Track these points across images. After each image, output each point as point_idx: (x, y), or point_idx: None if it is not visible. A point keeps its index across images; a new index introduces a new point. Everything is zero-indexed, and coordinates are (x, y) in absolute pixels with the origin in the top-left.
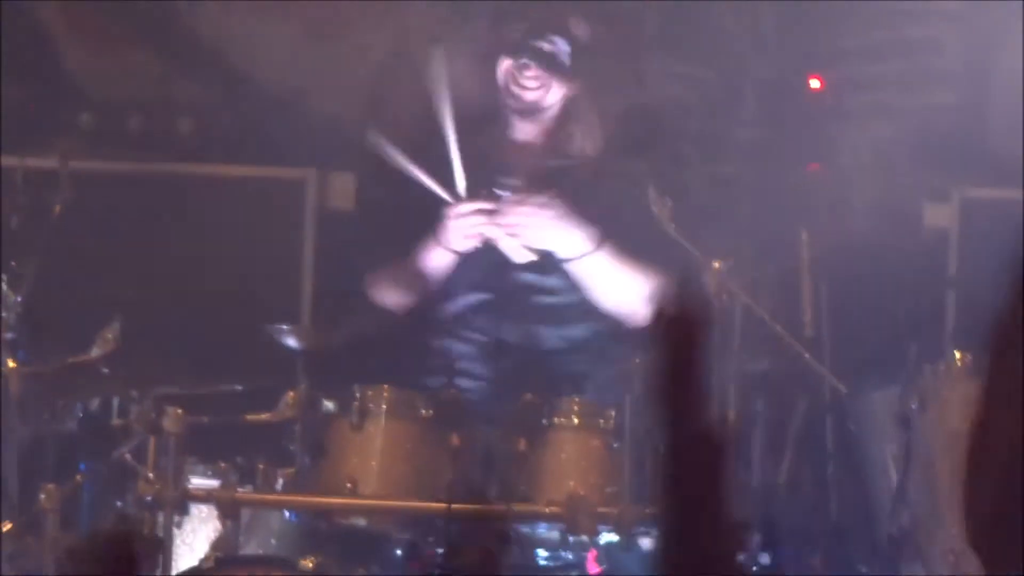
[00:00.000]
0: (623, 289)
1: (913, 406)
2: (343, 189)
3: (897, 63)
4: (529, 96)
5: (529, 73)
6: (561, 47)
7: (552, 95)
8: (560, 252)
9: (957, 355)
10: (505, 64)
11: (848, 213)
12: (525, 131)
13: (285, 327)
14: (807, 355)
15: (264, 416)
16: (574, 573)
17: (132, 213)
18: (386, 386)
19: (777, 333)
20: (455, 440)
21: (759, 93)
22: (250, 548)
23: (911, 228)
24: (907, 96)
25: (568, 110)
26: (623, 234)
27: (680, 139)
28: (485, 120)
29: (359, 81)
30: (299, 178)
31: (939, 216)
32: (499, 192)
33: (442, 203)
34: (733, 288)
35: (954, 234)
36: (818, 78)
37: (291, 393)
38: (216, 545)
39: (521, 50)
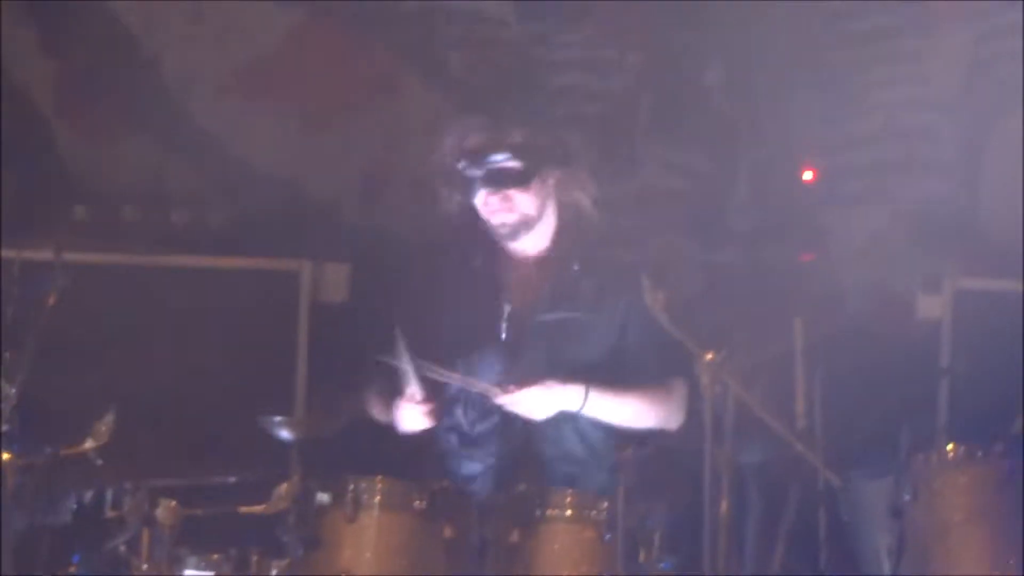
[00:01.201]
0: (630, 414)
1: (906, 497)
2: (337, 280)
3: (890, 151)
4: (504, 220)
5: (492, 199)
6: (504, 160)
7: (525, 207)
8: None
9: (950, 446)
10: (477, 199)
11: (841, 302)
12: (521, 248)
13: (278, 419)
14: (800, 446)
15: (258, 508)
16: None
17: (126, 304)
18: (380, 477)
19: (770, 424)
20: (449, 531)
21: (753, 181)
22: None
23: (904, 318)
24: (900, 185)
25: (552, 213)
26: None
27: (674, 228)
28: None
29: (354, 171)
30: (293, 269)
31: (932, 306)
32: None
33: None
34: (726, 379)
35: (947, 324)
36: (811, 169)
37: (284, 484)
38: None
39: (474, 184)
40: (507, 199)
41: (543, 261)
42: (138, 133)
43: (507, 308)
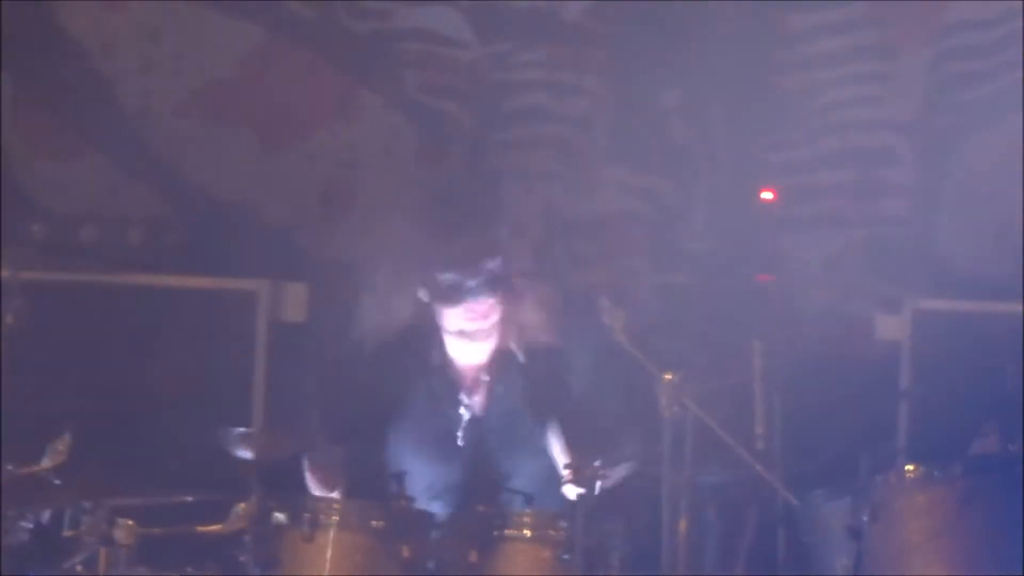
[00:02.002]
0: None
1: (864, 517)
2: (295, 300)
3: (848, 173)
4: (480, 326)
5: (477, 306)
6: (496, 267)
7: (497, 313)
8: None
9: (908, 467)
10: (452, 312)
11: (799, 324)
12: (474, 353)
13: (236, 436)
14: (759, 467)
15: (215, 527)
16: None
17: (84, 323)
18: (337, 497)
19: (729, 445)
20: (406, 551)
21: (711, 203)
22: None
23: (863, 339)
24: (859, 207)
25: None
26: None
27: (631, 250)
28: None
29: (312, 192)
30: (251, 289)
31: (891, 327)
32: None
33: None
34: (685, 400)
35: (906, 345)
36: (770, 190)
37: (242, 504)
38: None
39: (464, 291)
40: (492, 306)
41: (488, 366)
42: (95, 153)
43: (465, 415)
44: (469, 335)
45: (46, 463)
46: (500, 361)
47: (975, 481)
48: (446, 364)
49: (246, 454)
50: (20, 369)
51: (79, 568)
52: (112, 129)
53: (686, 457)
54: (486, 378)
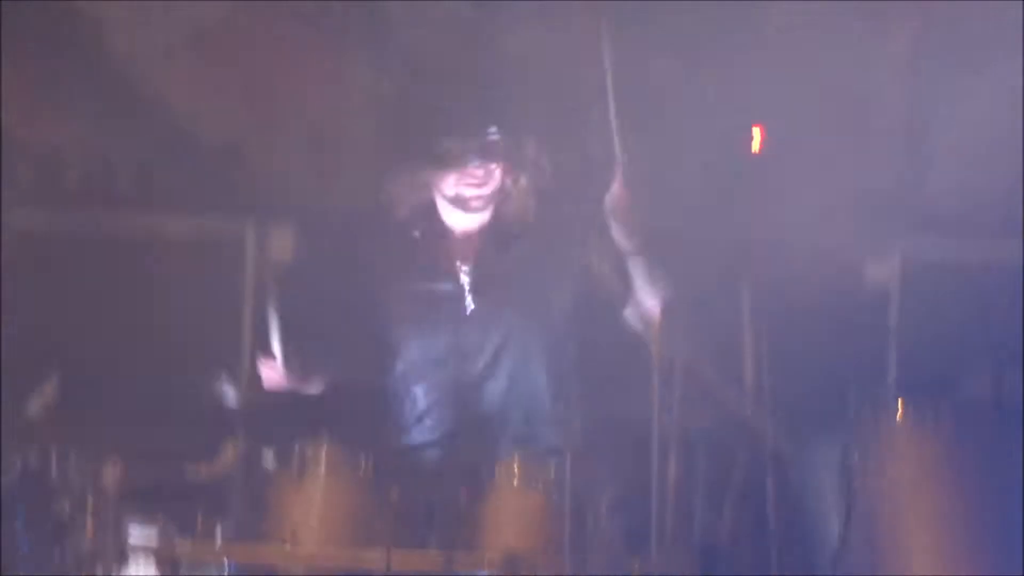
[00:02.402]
0: None
1: (855, 459)
2: (282, 242)
3: (838, 115)
4: (480, 193)
5: (478, 172)
6: (494, 134)
7: (495, 182)
8: None
9: (899, 408)
10: (450, 178)
11: (789, 266)
12: (470, 222)
13: (224, 380)
14: (748, 410)
15: (203, 469)
16: None
17: (69, 267)
18: (326, 440)
19: (718, 387)
20: (395, 494)
21: (699, 147)
22: None
23: (852, 282)
24: (848, 151)
25: (503, 190)
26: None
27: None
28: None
29: (299, 135)
30: (238, 231)
31: (880, 271)
32: None
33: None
34: (674, 343)
35: (895, 289)
36: (759, 128)
37: (230, 446)
38: None
39: (465, 158)
40: (489, 172)
41: (484, 231)
42: (82, 97)
43: (464, 281)
44: (464, 202)
45: (33, 406)
46: (497, 230)
47: (965, 422)
48: (443, 232)
49: (233, 398)
50: (6, 313)
51: (66, 511)
52: (100, 72)
53: (675, 400)
54: (482, 247)
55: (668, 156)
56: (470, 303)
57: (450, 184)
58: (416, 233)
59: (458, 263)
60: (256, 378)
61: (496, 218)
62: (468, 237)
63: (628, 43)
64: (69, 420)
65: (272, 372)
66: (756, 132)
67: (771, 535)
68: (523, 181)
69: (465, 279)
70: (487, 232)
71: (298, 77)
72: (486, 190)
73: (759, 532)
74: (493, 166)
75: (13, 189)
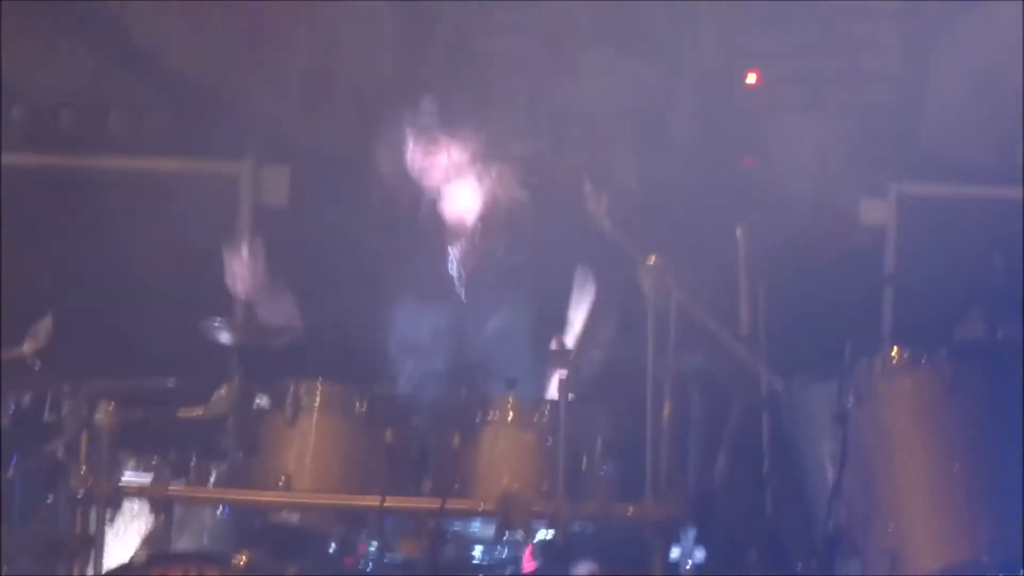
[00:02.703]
0: None
1: (850, 402)
2: (277, 183)
3: (835, 59)
4: (434, 172)
5: (425, 148)
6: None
7: (454, 159)
8: None
9: (894, 351)
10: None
11: (784, 209)
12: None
13: (218, 322)
14: (743, 352)
15: (197, 411)
16: (509, 570)
17: (64, 207)
18: (320, 381)
19: (713, 330)
20: (389, 436)
21: (695, 88)
22: (182, 544)
23: (847, 225)
24: (845, 92)
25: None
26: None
27: (616, 135)
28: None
29: (293, 78)
30: (233, 172)
31: (876, 212)
32: None
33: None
34: (668, 285)
35: (891, 230)
36: (755, 73)
37: (224, 388)
38: (148, 541)
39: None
40: (433, 145)
41: (478, 222)
42: (75, 38)
43: (455, 264)
44: (430, 174)
45: (27, 347)
46: (491, 218)
47: (961, 366)
48: (436, 214)
49: (227, 339)
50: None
51: (60, 452)
52: (93, 13)
53: (670, 343)
54: (477, 232)
55: (665, 101)
56: (461, 289)
57: (415, 162)
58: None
59: (450, 247)
60: (251, 319)
61: (488, 206)
62: (462, 221)
63: None
64: (62, 361)
65: (242, 268)
66: (752, 77)
67: (765, 478)
68: (495, 171)
69: (455, 263)
70: (479, 219)
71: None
72: (441, 162)
73: (752, 475)
74: (441, 144)
75: (8, 132)
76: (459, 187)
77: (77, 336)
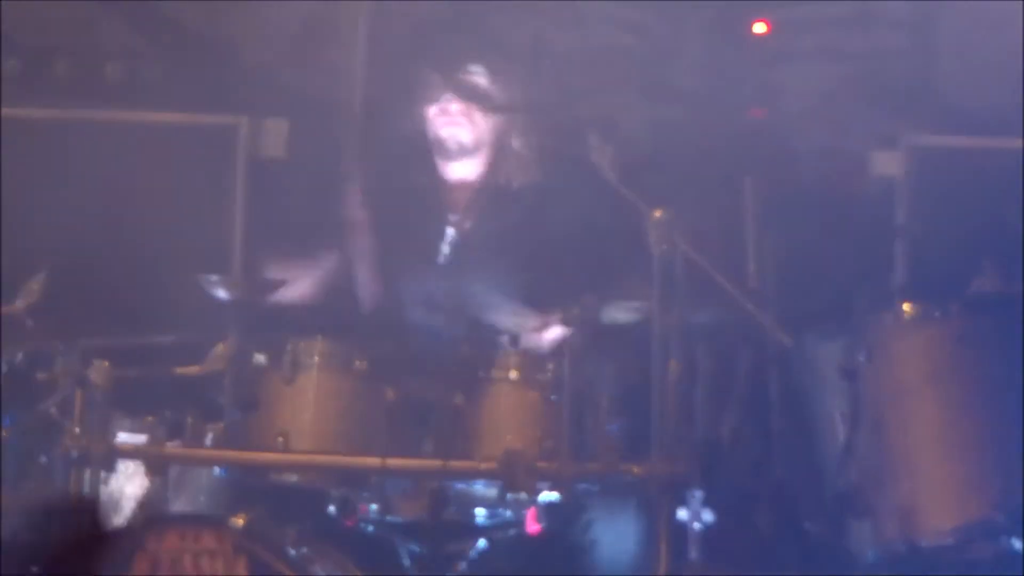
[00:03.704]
0: None
1: (860, 358)
2: (276, 136)
3: (844, 5)
4: (456, 135)
5: (453, 109)
6: (477, 74)
7: (477, 129)
8: None
9: (906, 306)
10: (431, 110)
11: (793, 160)
12: (458, 171)
13: (215, 278)
14: (751, 306)
15: (193, 369)
16: (513, 531)
17: (58, 160)
18: (319, 337)
19: (720, 284)
20: (390, 394)
21: (702, 37)
22: (179, 505)
23: (858, 175)
24: (854, 39)
25: (498, 146)
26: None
27: (621, 85)
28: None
29: (290, 29)
30: (231, 124)
31: (887, 164)
32: None
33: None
34: (675, 237)
35: (902, 182)
36: (763, 21)
37: (221, 345)
38: (144, 502)
39: (442, 89)
40: (467, 114)
41: (479, 186)
42: None
43: (450, 232)
44: (441, 144)
45: (19, 303)
46: (490, 188)
47: (973, 321)
48: (436, 181)
49: (224, 295)
50: None
51: (53, 410)
52: None
53: (676, 297)
54: (475, 201)
55: (672, 47)
56: (447, 253)
57: (431, 119)
58: (423, 179)
59: (448, 212)
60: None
61: (492, 174)
62: (462, 186)
63: None
64: (56, 318)
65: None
66: (760, 26)
67: (773, 435)
68: (516, 143)
69: (451, 230)
70: (481, 186)
71: None
72: (465, 134)
73: (761, 432)
74: (473, 109)
75: (3, 82)
76: (468, 142)
77: (71, 292)
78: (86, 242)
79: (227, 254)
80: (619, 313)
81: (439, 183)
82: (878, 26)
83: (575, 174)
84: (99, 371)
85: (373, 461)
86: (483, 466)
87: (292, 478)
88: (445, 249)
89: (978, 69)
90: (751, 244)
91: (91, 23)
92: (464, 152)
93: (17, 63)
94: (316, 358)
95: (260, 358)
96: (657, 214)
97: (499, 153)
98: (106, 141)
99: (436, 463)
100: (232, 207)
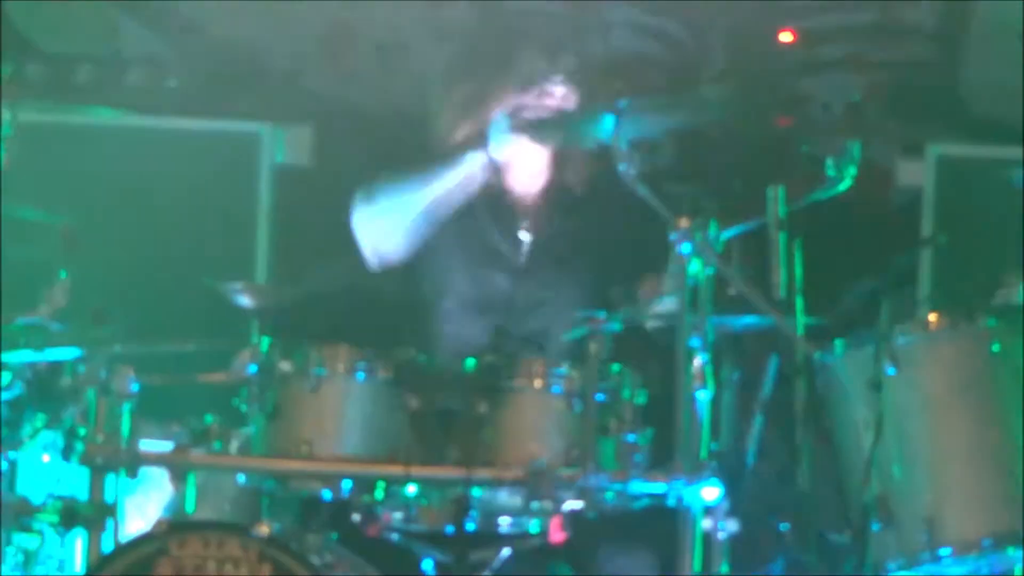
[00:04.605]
0: None
1: (886, 369)
2: (300, 143)
3: (871, 15)
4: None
5: (553, 94)
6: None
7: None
8: None
9: (932, 316)
10: (523, 101)
11: (820, 171)
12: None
13: (239, 285)
14: (777, 316)
15: (218, 376)
16: (538, 541)
17: (82, 166)
18: (343, 345)
19: (746, 293)
20: (414, 402)
21: (728, 45)
22: (203, 513)
23: (884, 186)
24: (880, 49)
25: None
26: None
27: (649, 93)
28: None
29: (315, 34)
30: (254, 132)
31: (913, 173)
32: None
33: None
34: (701, 247)
35: (929, 192)
36: (789, 31)
37: (246, 353)
38: (168, 510)
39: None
40: (568, 98)
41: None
42: None
43: (524, 241)
44: (537, 130)
45: (43, 310)
46: (554, 194)
47: (1001, 331)
48: (502, 191)
49: (248, 303)
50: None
51: (77, 417)
52: None
53: (702, 305)
54: (540, 208)
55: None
56: (522, 263)
57: (521, 106)
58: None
59: (518, 223)
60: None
61: (556, 181)
62: (528, 198)
63: None
64: (79, 324)
65: None
66: (787, 36)
67: (798, 446)
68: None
69: (525, 238)
70: (549, 194)
71: None
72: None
73: (786, 442)
74: (571, 92)
75: (24, 86)
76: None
77: (95, 299)
78: (110, 249)
79: (251, 261)
80: (645, 320)
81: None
82: (904, 35)
83: (609, 181)
84: (123, 378)
85: (397, 469)
86: (507, 475)
87: (316, 485)
88: (521, 254)
89: (1004, 79)
90: (776, 253)
91: (113, 29)
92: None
93: (40, 69)
94: (340, 366)
95: (285, 366)
96: (683, 223)
97: (562, 157)
98: (128, 147)
99: (460, 472)
100: (256, 214)
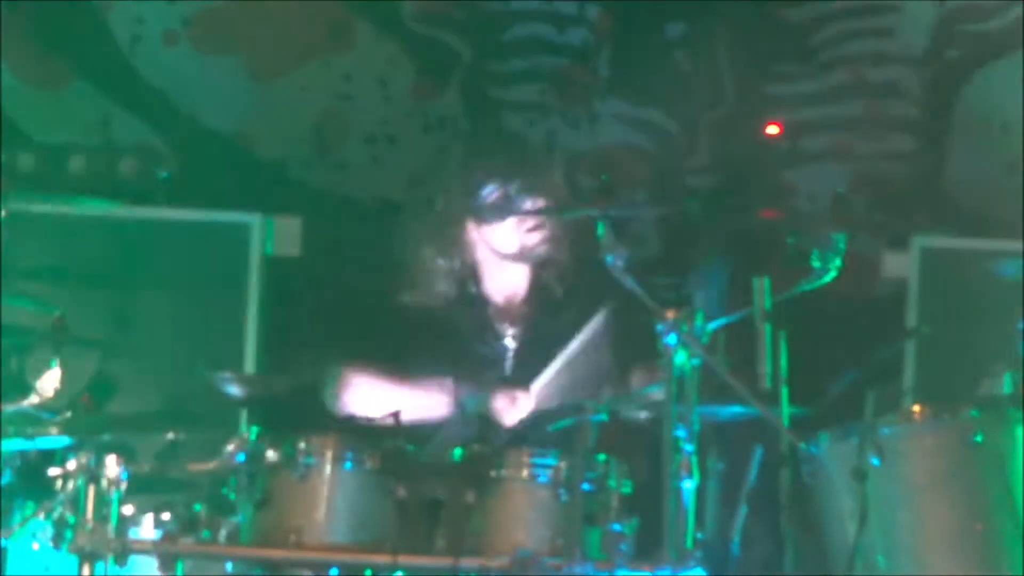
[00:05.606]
0: None
1: (870, 459)
2: (289, 234)
3: (855, 107)
4: (536, 238)
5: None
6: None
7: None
8: None
9: (916, 407)
10: (503, 230)
11: (805, 261)
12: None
13: (228, 374)
14: (762, 406)
15: (207, 465)
16: None
17: (71, 256)
18: (331, 435)
19: (732, 384)
20: (402, 491)
21: (714, 137)
22: None
23: (869, 277)
24: (865, 141)
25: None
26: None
27: (634, 184)
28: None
29: (304, 124)
30: (244, 222)
31: (898, 265)
32: None
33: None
34: (687, 338)
35: (913, 283)
36: (775, 123)
37: (234, 442)
38: None
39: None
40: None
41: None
42: (84, 82)
43: (509, 347)
44: (527, 251)
45: (34, 399)
46: (538, 293)
47: (984, 422)
48: (485, 298)
49: (237, 393)
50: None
51: (66, 507)
52: (102, 57)
53: (688, 396)
54: (525, 311)
55: (682, 147)
56: (510, 365)
57: (508, 237)
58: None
59: (503, 328)
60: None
61: (536, 281)
62: (511, 301)
63: (646, 29)
64: (68, 412)
65: None
66: (773, 128)
67: (783, 534)
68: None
69: (511, 343)
70: (531, 296)
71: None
72: (541, 235)
73: (771, 531)
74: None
75: (15, 177)
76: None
77: (84, 388)
78: (100, 338)
79: (240, 352)
80: (632, 411)
81: (489, 300)
82: (888, 128)
83: (593, 273)
84: (112, 466)
85: (385, 558)
86: (494, 564)
87: (305, 574)
88: (507, 361)
89: (987, 172)
90: (761, 344)
91: (105, 119)
92: (538, 255)
93: (31, 159)
94: (329, 454)
95: (273, 454)
96: (669, 315)
97: (544, 261)
98: (118, 236)
99: (447, 560)
100: (245, 304)
